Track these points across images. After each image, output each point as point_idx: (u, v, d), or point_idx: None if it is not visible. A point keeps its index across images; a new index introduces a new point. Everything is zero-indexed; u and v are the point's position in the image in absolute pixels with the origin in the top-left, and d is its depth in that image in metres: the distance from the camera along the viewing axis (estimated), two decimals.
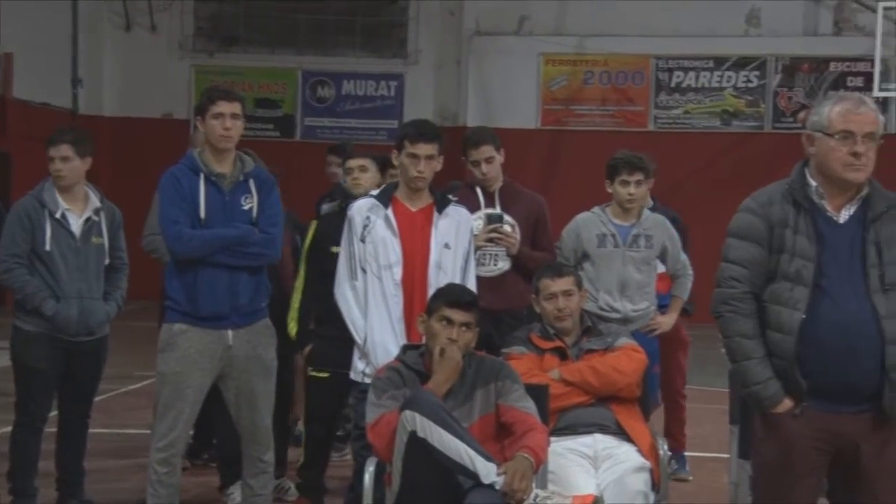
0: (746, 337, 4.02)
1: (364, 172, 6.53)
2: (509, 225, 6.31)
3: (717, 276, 4.14)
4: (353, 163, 6.59)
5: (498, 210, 6.29)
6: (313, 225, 6.54)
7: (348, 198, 6.34)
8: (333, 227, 6.15)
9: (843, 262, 3.95)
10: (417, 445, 4.33)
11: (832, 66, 18.22)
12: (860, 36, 17.40)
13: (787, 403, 3.96)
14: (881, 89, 16.43)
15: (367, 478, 4.65)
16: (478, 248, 5.97)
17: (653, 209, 7.36)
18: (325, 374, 6.27)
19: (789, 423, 3.96)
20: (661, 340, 7.14)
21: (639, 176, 6.66)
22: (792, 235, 3.98)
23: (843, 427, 3.94)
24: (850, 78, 18.04)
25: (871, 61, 16.36)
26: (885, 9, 16.12)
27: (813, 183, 4.04)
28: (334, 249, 6.01)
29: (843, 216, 4.03)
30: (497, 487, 4.31)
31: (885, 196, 4.05)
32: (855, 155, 3.94)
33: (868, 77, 16.78)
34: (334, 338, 5.88)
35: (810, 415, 3.93)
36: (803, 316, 3.90)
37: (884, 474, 3.96)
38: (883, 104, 17.57)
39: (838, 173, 3.97)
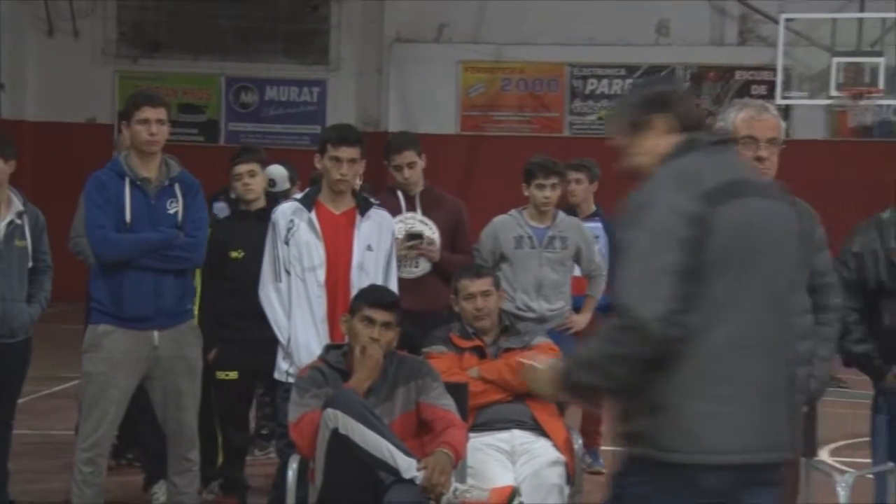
0: None
1: (253, 177, 6.53)
2: (429, 236, 6.31)
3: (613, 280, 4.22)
4: (242, 168, 6.56)
5: (417, 228, 6.28)
6: (209, 232, 6.55)
7: (239, 202, 6.43)
8: (227, 232, 6.31)
9: None
10: (339, 442, 4.34)
11: (737, 74, 18.46)
12: (763, 46, 17.64)
13: None
14: (783, 97, 16.65)
15: (291, 474, 4.65)
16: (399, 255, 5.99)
17: (594, 214, 7.48)
18: (234, 375, 6.27)
19: None
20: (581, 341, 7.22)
21: (554, 179, 6.72)
22: None
23: None
24: (754, 86, 18.28)
25: (774, 70, 16.58)
26: (787, 20, 16.36)
27: None
28: (234, 255, 6.08)
29: None
30: (417, 482, 4.33)
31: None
32: (759, 159, 4.03)
33: (771, 85, 17.01)
34: (237, 340, 5.94)
35: None
36: None
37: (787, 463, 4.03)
38: (785, 111, 17.88)
39: None
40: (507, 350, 5.46)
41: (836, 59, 15.85)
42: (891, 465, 4.76)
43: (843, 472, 4.95)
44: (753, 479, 3.14)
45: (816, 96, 16.52)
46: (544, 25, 18.25)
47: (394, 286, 5.34)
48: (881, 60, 15.70)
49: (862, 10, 16.47)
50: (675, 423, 3.03)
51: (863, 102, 16.36)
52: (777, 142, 4.11)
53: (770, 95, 17.13)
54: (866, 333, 4.86)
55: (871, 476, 4.93)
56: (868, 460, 5.08)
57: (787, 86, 16.57)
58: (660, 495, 3.07)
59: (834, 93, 15.94)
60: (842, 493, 4.51)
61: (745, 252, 3.10)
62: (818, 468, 5.02)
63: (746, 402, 3.07)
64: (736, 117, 4.11)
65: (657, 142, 3.32)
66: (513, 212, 6.81)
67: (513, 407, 5.31)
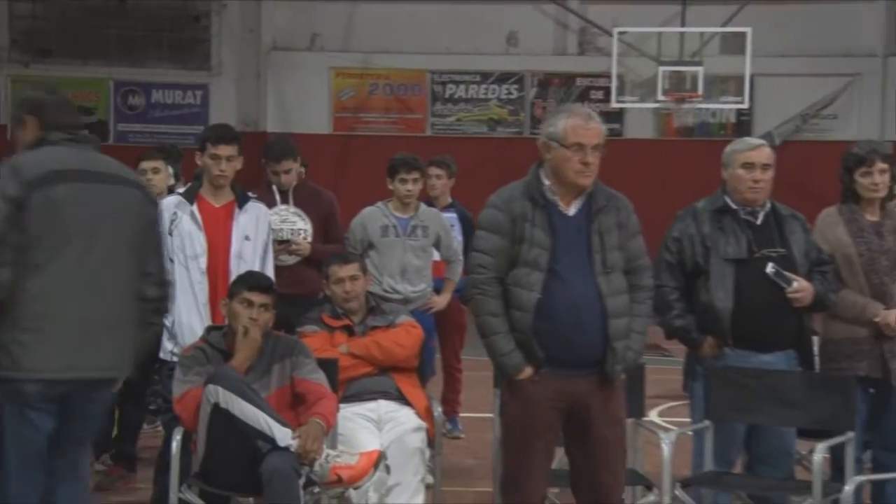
0: (493, 315, 4.09)
1: (156, 174, 6.44)
2: (301, 235, 6.30)
3: (469, 265, 4.25)
4: (147, 164, 6.48)
5: (285, 236, 6.26)
6: None
7: None
8: None
9: (572, 248, 4.09)
10: (220, 415, 4.32)
11: (578, 81, 18.70)
12: (600, 56, 17.89)
13: (528, 371, 4.07)
14: (618, 101, 16.96)
15: (175, 445, 4.60)
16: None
17: (451, 206, 7.55)
18: None
19: (530, 387, 4.08)
20: (443, 323, 7.30)
21: (415, 174, 6.78)
22: (530, 228, 4.08)
23: (575, 387, 4.09)
24: (592, 91, 18.56)
25: (610, 77, 16.85)
26: (619, 33, 16.65)
27: (546, 182, 4.17)
28: None
29: (573, 209, 4.17)
30: (292, 450, 4.32)
31: (605, 192, 4.22)
32: (585, 164, 4.08)
33: (607, 90, 17.26)
34: None
35: (547, 379, 4.06)
36: (539, 296, 4.02)
37: (608, 423, 4.14)
38: (620, 113, 18.22)
39: (571, 179, 4.11)
40: (374, 328, 5.47)
41: (662, 68, 16.19)
42: (707, 423, 4.87)
43: (667, 430, 5.07)
44: (82, 390, 3.87)
45: (646, 100, 16.82)
46: (408, 36, 18.31)
47: (270, 272, 5.30)
48: (700, 69, 16.10)
49: (683, 24, 16.85)
50: (4, 350, 3.73)
51: (685, 106, 16.77)
52: (600, 147, 4.13)
53: (606, 99, 17.45)
54: (685, 309, 4.92)
55: (690, 433, 5.04)
56: (689, 419, 5.19)
57: (620, 91, 16.86)
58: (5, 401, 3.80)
59: (661, 97, 16.29)
60: (665, 448, 4.61)
61: (56, 225, 3.74)
62: (646, 427, 5.13)
63: (58, 335, 3.75)
64: (566, 125, 4.12)
65: (26, 138, 3.94)
66: (379, 204, 6.84)
67: (379, 380, 5.32)
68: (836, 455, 4.83)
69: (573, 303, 4.03)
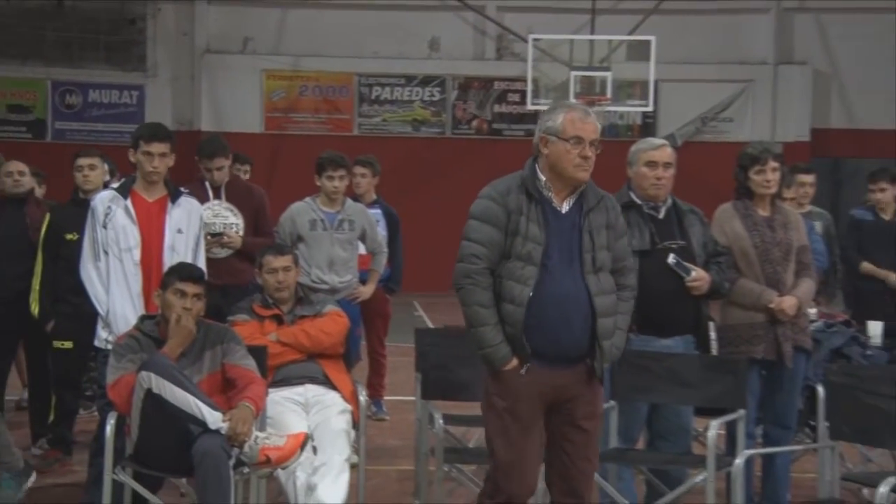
0: (483, 306, 3.88)
1: (93, 171, 6.37)
2: (233, 229, 6.23)
3: (459, 253, 3.98)
4: (84, 161, 6.39)
5: (218, 229, 6.19)
6: (47, 217, 6.30)
7: (79, 191, 6.25)
8: (64, 217, 6.16)
9: (564, 246, 3.90)
10: (153, 400, 4.26)
11: (496, 84, 18.80)
12: (516, 61, 18.00)
13: (515, 363, 3.88)
14: (533, 103, 17.07)
15: (109, 429, 4.52)
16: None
17: (376, 202, 7.56)
18: (69, 345, 6.09)
19: (517, 379, 3.89)
20: (368, 312, 7.31)
21: (342, 172, 6.77)
22: (525, 222, 3.88)
23: (560, 380, 3.92)
24: (509, 94, 18.67)
25: (525, 81, 16.96)
26: (534, 40, 16.77)
27: (542, 177, 3.96)
28: (68, 237, 5.91)
29: (565, 207, 3.97)
30: (223, 432, 4.27)
31: (595, 191, 4.02)
32: (584, 158, 3.90)
33: (523, 93, 17.38)
34: (73, 313, 5.78)
35: (534, 372, 3.88)
36: (531, 292, 3.84)
37: (589, 416, 3.99)
38: (535, 114, 18.32)
39: (570, 172, 3.91)
40: (302, 317, 5.44)
41: (573, 73, 16.34)
42: (612, 403, 4.86)
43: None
44: None
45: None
46: (336, 41, 18.30)
47: (202, 264, 5.23)
48: (609, 74, 16.28)
49: (593, 33, 17.02)
50: None
51: (595, 108, 16.89)
52: (597, 143, 3.95)
53: (522, 102, 17.57)
54: None
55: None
56: None
57: (535, 94, 16.95)
58: None
59: (572, 100, 16.41)
60: None
61: None
62: None
63: None
64: (565, 118, 3.94)
65: None
66: (307, 199, 6.82)
67: (306, 365, 5.29)
68: (731, 431, 4.92)
69: (561, 299, 3.86)
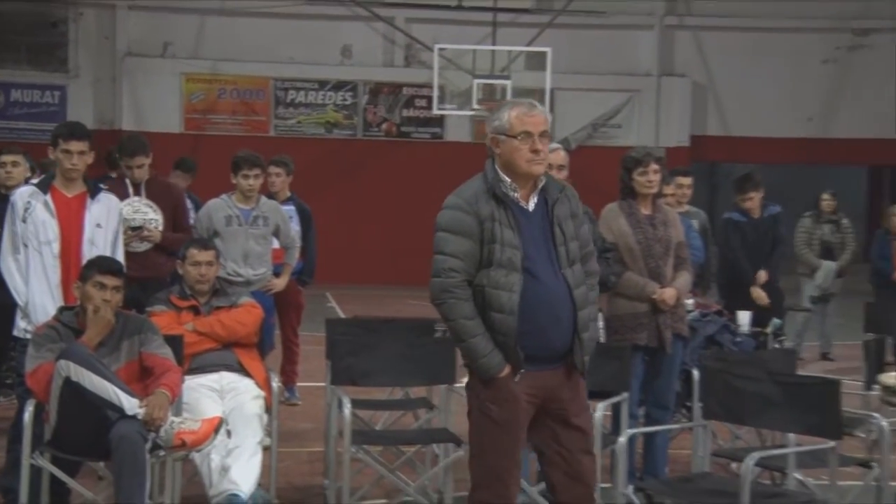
0: (468, 318, 3.60)
1: (16, 167, 6.22)
2: (153, 224, 6.11)
3: (434, 268, 3.67)
4: (7, 158, 6.24)
5: (138, 223, 6.05)
6: None
7: (0, 187, 6.09)
8: None
9: (538, 244, 3.67)
10: (71, 388, 4.16)
11: (405, 90, 18.79)
12: (423, 68, 18.01)
13: (509, 370, 3.63)
14: (439, 109, 17.14)
15: (27, 416, 4.40)
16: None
17: (290, 199, 7.51)
18: None
19: (511, 385, 3.63)
20: (282, 303, 7.26)
21: (257, 171, 6.74)
22: (499, 228, 3.61)
23: (547, 381, 3.70)
24: (417, 99, 18.68)
25: (432, 87, 17.00)
26: (440, 49, 16.82)
27: (507, 179, 3.69)
28: None
29: (531, 204, 3.71)
30: (139, 417, 4.19)
31: (554, 184, 3.80)
32: (535, 151, 3.65)
33: (429, 99, 17.41)
34: None
35: (524, 376, 3.65)
36: (519, 298, 3.59)
37: (580, 411, 3.80)
38: (440, 119, 18.39)
39: (523, 168, 3.66)
40: (218, 308, 5.36)
41: (476, 81, 16.41)
42: None
43: None
44: None
45: (463, 108, 17.03)
46: (253, 47, 18.16)
47: (120, 257, 5.12)
48: (509, 82, 16.40)
49: (494, 43, 17.12)
50: None
51: None
52: (548, 134, 3.69)
53: (429, 107, 17.60)
54: None
55: None
56: None
57: (441, 100, 17.02)
58: None
59: (475, 106, 16.51)
60: None
61: None
62: (457, 392, 5.13)
63: None
64: (510, 115, 3.67)
65: None
66: (223, 196, 6.76)
67: (222, 354, 5.21)
68: (616, 411, 5.00)
69: (547, 299, 3.61)
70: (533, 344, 3.62)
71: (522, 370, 3.62)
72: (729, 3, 18.77)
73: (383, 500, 4.93)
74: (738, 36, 18.84)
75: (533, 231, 3.66)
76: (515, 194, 3.69)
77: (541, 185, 3.73)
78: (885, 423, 4.47)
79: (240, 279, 6.51)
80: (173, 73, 18.07)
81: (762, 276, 7.51)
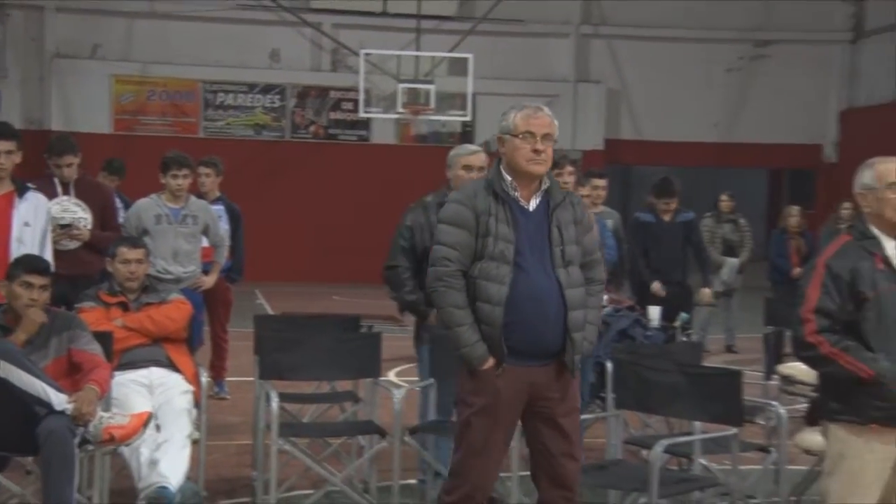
0: (458, 307, 3.57)
1: None
2: (82, 223, 5.98)
3: (431, 257, 3.66)
4: None
5: (67, 220, 5.91)
6: None
7: None
8: None
9: (534, 242, 3.62)
10: None
11: (332, 93, 18.69)
12: (350, 73, 17.96)
13: (492, 362, 3.58)
14: (365, 112, 17.11)
15: None
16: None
17: (219, 199, 7.43)
18: None
19: (493, 378, 3.58)
20: (211, 300, 7.18)
21: (185, 171, 6.66)
22: (494, 223, 3.59)
23: (536, 378, 3.63)
24: (343, 103, 18.59)
25: (358, 91, 16.95)
26: (366, 54, 16.79)
27: (508, 178, 3.67)
28: None
29: (532, 205, 3.67)
30: (68, 413, 4.10)
31: (560, 190, 3.76)
32: (536, 151, 3.61)
33: (356, 102, 17.35)
34: None
35: (510, 370, 3.58)
36: (508, 291, 3.55)
37: (568, 412, 3.72)
38: (367, 122, 18.33)
39: (523, 167, 3.63)
40: (147, 304, 5.25)
41: (400, 85, 16.43)
42: (431, 380, 4.97)
43: (399, 387, 5.13)
44: None
45: (388, 112, 17.02)
46: (182, 50, 17.94)
47: (48, 256, 5.00)
48: (432, 87, 16.46)
49: (418, 49, 17.15)
50: None
51: (420, 117, 17.08)
52: (551, 137, 3.65)
53: (355, 110, 17.54)
54: (416, 286, 4.97)
55: (418, 389, 5.12)
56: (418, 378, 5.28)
57: (367, 103, 16.99)
58: None
59: (400, 110, 16.52)
60: (396, 402, 4.67)
61: None
62: (382, 385, 5.17)
63: None
64: (516, 116, 3.65)
65: None
66: (153, 196, 6.69)
67: (151, 350, 5.11)
68: None
69: (536, 295, 3.56)
70: (518, 337, 3.56)
71: (504, 364, 3.56)
72: (640, 14, 19.08)
73: (310, 491, 4.90)
74: (650, 45, 19.16)
75: (530, 229, 3.62)
76: (515, 193, 3.65)
77: (544, 187, 3.69)
78: (782, 410, 4.58)
79: (169, 276, 6.44)
80: (102, 74, 17.74)
81: (657, 287, 7.56)
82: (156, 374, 5.03)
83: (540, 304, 3.57)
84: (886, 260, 3.42)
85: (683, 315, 6.91)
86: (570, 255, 3.64)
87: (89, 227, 6.06)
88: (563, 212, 3.67)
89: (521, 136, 3.62)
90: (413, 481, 5.20)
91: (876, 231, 3.46)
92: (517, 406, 3.63)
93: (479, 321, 3.56)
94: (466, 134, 18.29)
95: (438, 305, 3.62)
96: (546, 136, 3.63)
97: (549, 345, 3.60)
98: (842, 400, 3.41)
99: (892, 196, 3.41)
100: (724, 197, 10.59)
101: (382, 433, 4.79)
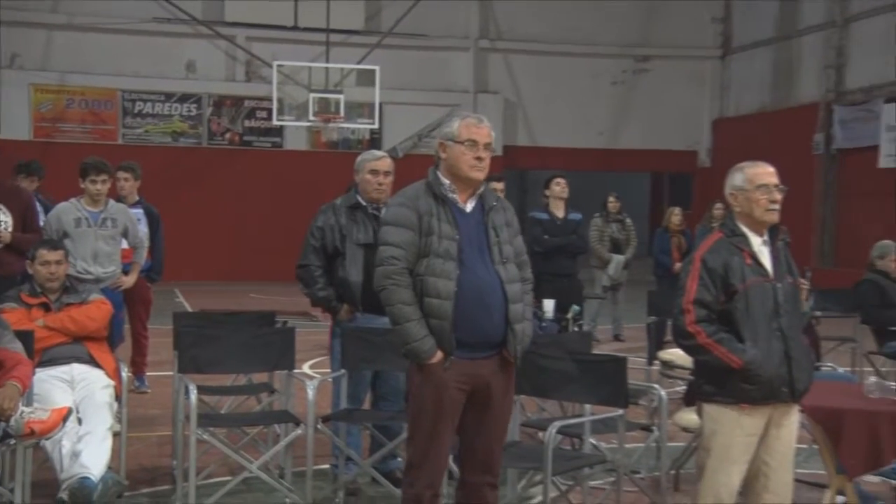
0: (406, 304, 3.48)
1: None
2: (2, 226, 5.79)
3: (377, 257, 3.57)
4: None
5: None
6: None
7: None
8: None
9: (473, 241, 3.57)
10: None
11: (246, 102, 18.45)
12: (264, 83, 17.78)
13: (440, 356, 3.49)
14: (278, 120, 16.92)
15: None
16: None
17: (138, 203, 7.27)
18: None
19: (440, 371, 3.50)
20: (131, 299, 7.04)
21: (104, 176, 6.51)
22: (437, 222, 3.54)
23: (479, 370, 3.56)
24: (258, 111, 18.37)
25: (272, 100, 16.77)
26: (279, 66, 16.62)
27: (446, 181, 3.63)
28: None
29: (469, 206, 3.63)
30: None
31: (492, 194, 3.72)
32: (478, 159, 3.59)
33: (269, 111, 17.18)
34: None
35: (455, 364, 3.52)
36: (455, 286, 3.48)
37: (504, 401, 3.66)
38: (280, 129, 18.12)
39: (465, 172, 3.59)
40: (68, 304, 5.11)
41: (312, 95, 16.32)
42: (343, 371, 4.94)
43: (312, 378, 5.09)
44: None
45: (300, 120, 16.88)
46: (100, 60, 17.54)
47: None
48: (342, 97, 16.38)
49: (328, 61, 17.05)
50: None
51: (331, 125, 16.97)
52: (491, 146, 3.64)
53: (269, 118, 17.33)
54: (327, 283, 4.95)
55: (330, 380, 5.09)
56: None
57: (280, 112, 16.82)
58: None
59: (311, 118, 16.39)
60: (310, 392, 4.63)
61: None
62: (296, 377, 5.10)
63: None
64: (460, 125, 3.62)
65: None
66: (73, 200, 6.54)
67: (72, 347, 4.97)
68: None
69: (480, 289, 3.50)
70: (464, 330, 3.50)
71: (452, 357, 3.50)
72: (534, 31, 19.35)
73: (228, 478, 4.82)
74: (542, 59, 19.45)
75: (469, 229, 3.59)
76: (454, 195, 3.62)
77: (479, 191, 3.67)
78: (663, 392, 4.68)
79: (90, 277, 6.29)
80: (21, 83, 17.19)
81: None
82: (77, 370, 4.89)
83: (483, 297, 3.52)
84: (754, 255, 3.53)
85: (575, 307, 7.03)
86: (506, 253, 3.62)
87: (10, 229, 5.87)
88: (496, 214, 3.65)
89: (465, 143, 3.59)
90: (326, 466, 5.17)
91: (745, 229, 3.57)
92: (461, 398, 3.57)
93: (428, 316, 3.48)
94: (375, 140, 18.27)
95: (387, 303, 3.52)
96: (487, 146, 3.62)
97: (492, 336, 3.56)
98: (715, 383, 3.52)
99: (761, 197, 3.53)
100: (611, 198, 10.78)
101: (297, 422, 4.74)
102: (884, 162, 15.93)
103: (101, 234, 6.45)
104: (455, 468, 3.73)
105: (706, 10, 20.11)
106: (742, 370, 3.42)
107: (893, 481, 5.05)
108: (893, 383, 4.02)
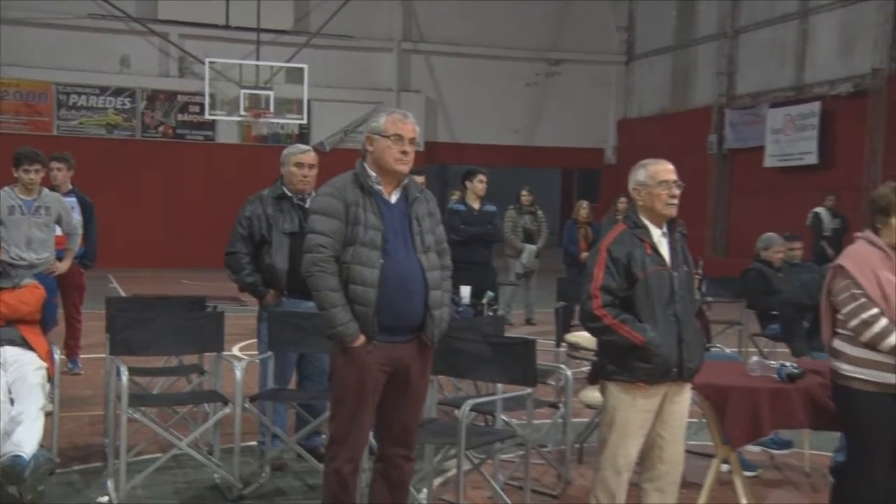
0: (332, 290, 3.43)
1: None
2: None
3: (306, 245, 3.51)
4: None
5: None
6: None
7: None
8: None
9: (397, 230, 3.53)
10: None
11: (179, 97, 18.09)
12: (196, 79, 17.49)
13: (363, 339, 3.46)
14: (210, 114, 16.63)
15: None
16: None
17: (71, 192, 7.08)
18: None
19: (363, 354, 3.48)
20: (65, 284, 6.88)
21: (37, 166, 6.33)
22: (363, 212, 3.49)
23: (399, 353, 3.53)
24: (190, 106, 18.03)
25: (204, 95, 16.49)
26: (210, 62, 16.33)
27: (372, 173, 3.56)
28: None
29: (394, 198, 3.58)
30: None
31: (416, 186, 3.66)
32: (403, 153, 3.53)
33: (202, 106, 16.87)
34: None
35: (379, 347, 3.49)
36: (379, 273, 3.45)
37: (422, 381, 3.64)
38: (212, 123, 17.78)
39: (391, 165, 3.53)
40: (1, 289, 4.91)
41: (243, 91, 16.09)
42: (269, 353, 4.87)
43: (241, 360, 5.01)
44: None
45: (232, 115, 16.63)
46: (36, 54, 17.02)
47: None
48: (271, 93, 16.19)
49: (258, 58, 16.82)
50: None
51: (261, 120, 16.73)
52: (415, 141, 3.58)
53: (201, 113, 17.01)
54: (254, 269, 4.90)
55: (257, 361, 5.02)
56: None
57: (212, 107, 16.55)
58: None
59: (242, 113, 16.16)
60: (238, 373, 4.55)
61: None
62: (225, 359, 5.01)
63: None
64: (386, 120, 3.56)
65: None
66: (6, 188, 6.37)
67: (5, 330, 4.79)
68: None
69: (402, 277, 3.47)
70: (386, 315, 3.47)
71: (375, 341, 3.47)
72: (454, 34, 19.40)
73: (158, 455, 4.72)
74: (462, 61, 19.52)
75: (393, 220, 3.54)
76: (379, 187, 3.56)
77: (403, 183, 3.62)
78: (569, 372, 4.76)
79: (23, 263, 6.13)
80: None
81: None
82: (9, 352, 4.72)
83: (405, 284, 3.49)
84: (654, 246, 3.60)
85: (490, 293, 7.07)
86: (427, 242, 3.59)
87: None
88: (419, 205, 3.62)
89: (391, 137, 3.54)
90: (253, 443, 5.11)
91: (646, 221, 3.63)
92: (382, 379, 3.55)
93: (352, 301, 3.45)
94: (303, 135, 18.09)
95: (314, 289, 3.47)
96: (411, 140, 3.58)
97: (412, 321, 3.53)
98: (616, 363, 3.58)
99: (662, 192, 3.59)
100: (524, 192, 10.88)
101: (225, 401, 4.66)
102: (769, 161, 16.47)
103: (35, 222, 6.29)
104: (374, 443, 3.71)
105: (612, 19, 20.46)
106: (643, 347, 3.49)
107: (771, 450, 5.25)
108: (774, 362, 4.14)
